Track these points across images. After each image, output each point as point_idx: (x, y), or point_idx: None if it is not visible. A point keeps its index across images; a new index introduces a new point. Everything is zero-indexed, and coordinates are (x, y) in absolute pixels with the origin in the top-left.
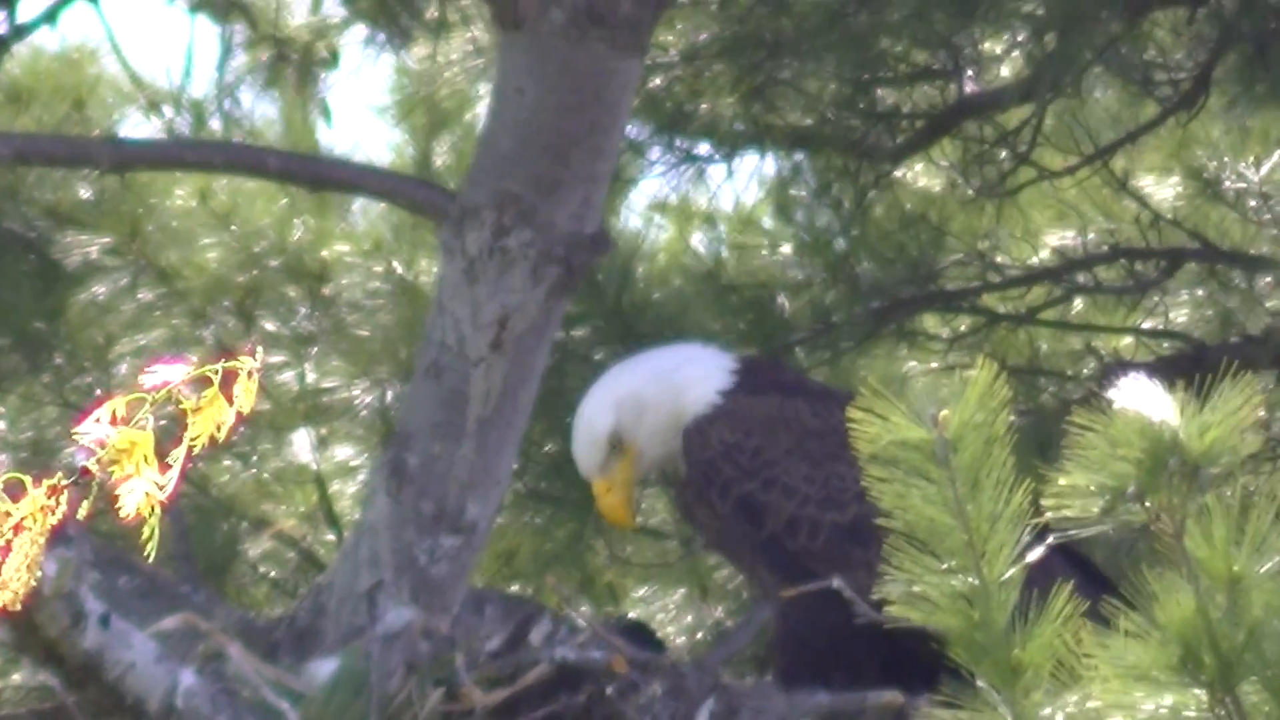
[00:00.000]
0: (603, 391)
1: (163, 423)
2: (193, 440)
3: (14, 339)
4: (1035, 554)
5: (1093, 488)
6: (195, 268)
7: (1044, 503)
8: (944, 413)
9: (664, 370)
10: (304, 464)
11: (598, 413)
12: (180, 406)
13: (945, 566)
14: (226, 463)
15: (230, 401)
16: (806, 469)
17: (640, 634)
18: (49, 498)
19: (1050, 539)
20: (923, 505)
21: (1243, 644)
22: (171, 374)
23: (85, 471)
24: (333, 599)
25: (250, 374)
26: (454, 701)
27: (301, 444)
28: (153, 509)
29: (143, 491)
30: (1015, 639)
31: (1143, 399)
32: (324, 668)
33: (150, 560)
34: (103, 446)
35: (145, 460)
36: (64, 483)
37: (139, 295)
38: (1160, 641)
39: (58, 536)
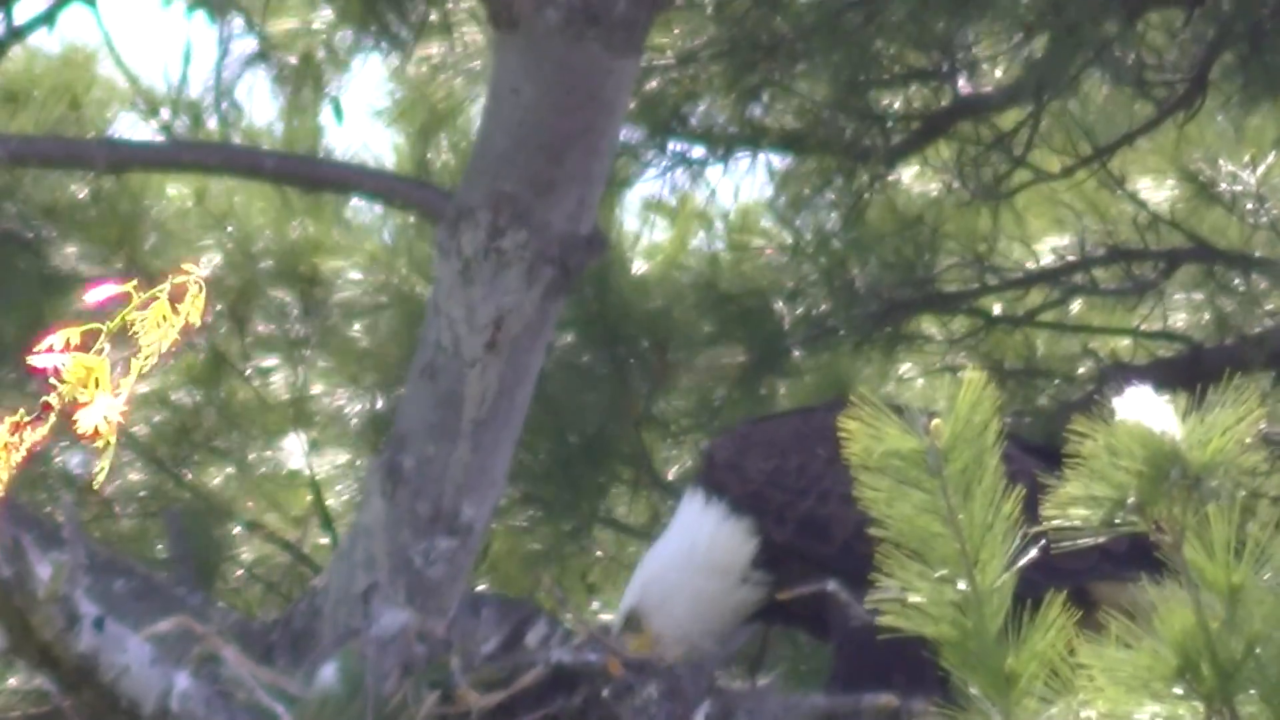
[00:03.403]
0: (638, 571)
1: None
2: (144, 357)
3: (7, 340)
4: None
5: (1093, 497)
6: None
7: (1044, 511)
8: (936, 422)
9: (684, 548)
10: (297, 468)
11: (628, 588)
12: (128, 324)
13: (937, 575)
14: (220, 466)
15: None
16: None
17: None
18: (11, 435)
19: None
20: (915, 514)
21: (1242, 655)
22: (112, 294)
23: (46, 405)
24: (328, 601)
25: (199, 286)
26: (450, 704)
27: (294, 447)
28: (110, 433)
29: (100, 415)
30: (1008, 648)
31: (1144, 408)
32: (319, 670)
33: (104, 481)
34: (59, 375)
35: (101, 385)
36: (25, 420)
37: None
38: (1158, 651)
39: (53, 539)
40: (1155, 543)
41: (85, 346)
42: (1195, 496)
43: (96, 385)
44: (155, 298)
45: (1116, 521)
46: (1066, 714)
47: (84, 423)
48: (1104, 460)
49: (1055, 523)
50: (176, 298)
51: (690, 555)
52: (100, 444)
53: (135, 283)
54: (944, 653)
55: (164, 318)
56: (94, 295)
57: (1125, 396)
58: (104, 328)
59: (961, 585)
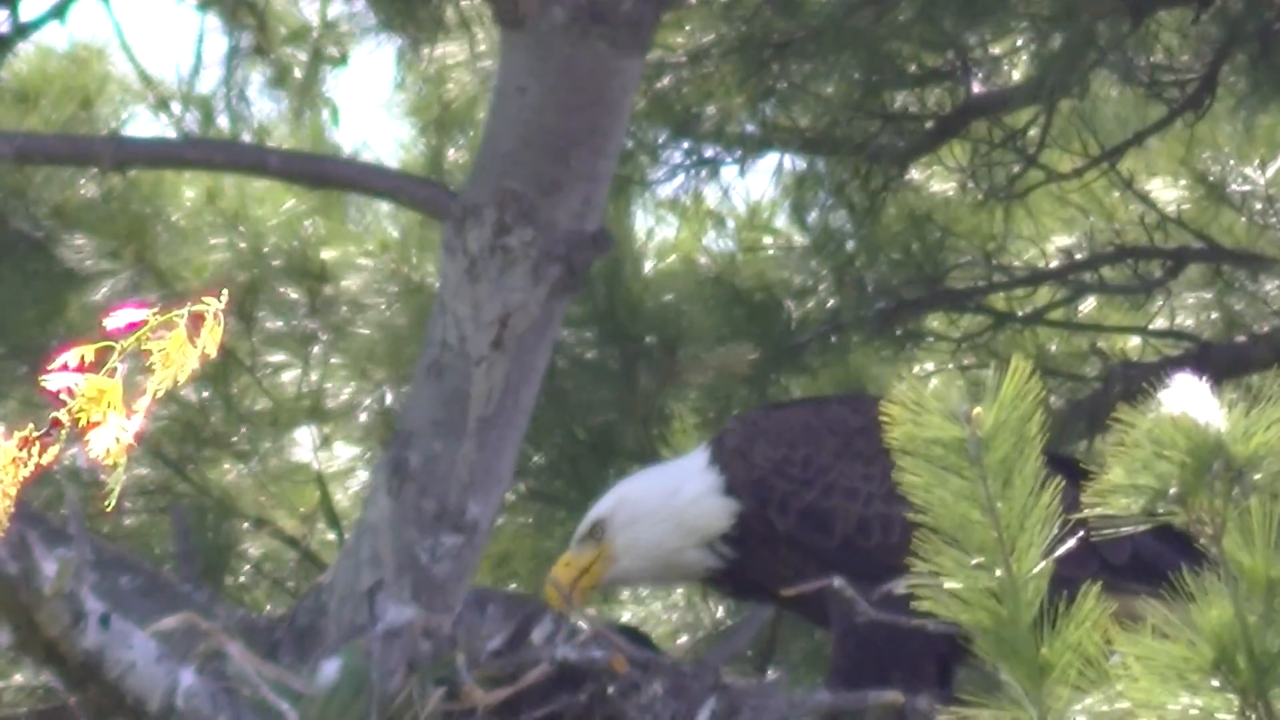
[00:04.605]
0: (621, 483)
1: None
2: (158, 383)
3: (14, 342)
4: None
5: (1134, 486)
6: (195, 269)
7: (1084, 499)
8: (977, 410)
9: (669, 490)
10: (305, 463)
11: (602, 498)
12: (144, 349)
13: (974, 562)
14: (228, 463)
15: (194, 344)
16: (862, 467)
17: (635, 639)
18: (20, 450)
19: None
20: (953, 501)
21: (1279, 649)
22: (135, 317)
23: (56, 422)
24: (334, 598)
25: (216, 316)
26: (455, 701)
27: (303, 443)
28: (121, 455)
29: (112, 436)
30: (1043, 636)
31: (1189, 400)
32: (325, 667)
33: (112, 506)
34: (71, 395)
35: (113, 407)
36: (35, 435)
37: (140, 297)
38: (1194, 643)
39: (58, 536)
40: (1155, 558)
41: (99, 365)
42: (1237, 489)
43: (109, 407)
44: (173, 324)
45: (1157, 511)
46: (1101, 704)
47: (96, 444)
48: (1147, 450)
49: (1094, 511)
50: (194, 325)
51: (670, 498)
52: (110, 464)
53: (155, 310)
54: (978, 640)
55: (180, 347)
56: (114, 320)
57: (1172, 387)
58: (118, 347)
59: (998, 573)
